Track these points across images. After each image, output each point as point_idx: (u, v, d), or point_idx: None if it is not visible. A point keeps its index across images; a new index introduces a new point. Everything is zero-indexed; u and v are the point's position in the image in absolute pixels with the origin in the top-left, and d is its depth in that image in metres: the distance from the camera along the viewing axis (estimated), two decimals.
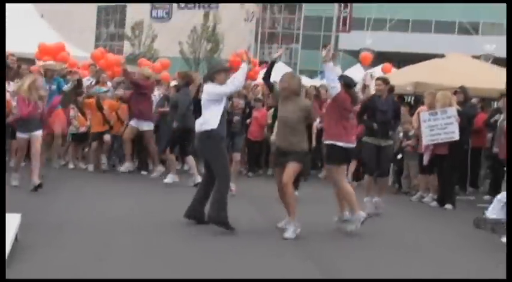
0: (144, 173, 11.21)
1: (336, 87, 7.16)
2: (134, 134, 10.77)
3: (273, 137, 9.11)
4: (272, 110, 10.94)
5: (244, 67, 7.09)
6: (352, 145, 7.41)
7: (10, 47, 13.48)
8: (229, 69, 7.49)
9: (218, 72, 7.17)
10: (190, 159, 10.38)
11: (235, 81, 7.04)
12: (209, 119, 6.95)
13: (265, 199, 8.72)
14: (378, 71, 18.57)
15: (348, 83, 7.39)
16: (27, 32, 16.18)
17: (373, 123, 8.49)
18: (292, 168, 6.86)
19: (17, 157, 9.11)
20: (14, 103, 10.41)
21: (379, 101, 8.61)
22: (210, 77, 7.17)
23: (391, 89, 9.35)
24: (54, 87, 10.83)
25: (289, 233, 6.75)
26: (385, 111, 8.49)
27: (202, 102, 7.16)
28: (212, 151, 7.03)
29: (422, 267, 6.02)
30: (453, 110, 9.58)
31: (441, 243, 7.25)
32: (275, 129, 8.34)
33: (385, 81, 8.84)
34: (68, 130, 11.35)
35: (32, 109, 8.69)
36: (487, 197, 10.22)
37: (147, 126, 10.72)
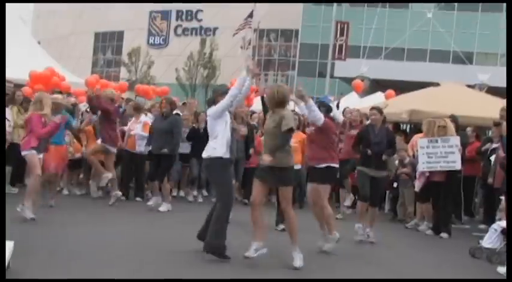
0: (138, 199, 11.18)
1: (322, 118, 7.44)
2: (101, 151, 10.61)
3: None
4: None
5: (241, 76, 6.99)
6: (338, 165, 7.85)
7: (7, 74, 13.57)
8: None
9: (221, 95, 7.10)
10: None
11: (231, 90, 6.96)
12: (214, 147, 6.90)
13: None
14: (381, 98, 18.74)
15: (328, 109, 7.85)
16: (23, 58, 16.26)
17: (367, 149, 8.52)
18: (286, 192, 6.78)
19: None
20: (9, 129, 10.39)
21: (373, 132, 8.67)
22: (213, 101, 7.13)
23: (384, 120, 9.43)
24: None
25: (298, 262, 6.64)
26: (379, 143, 8.53)
27: (208, 128, 7.12)
28: (217, 178, 7.05)
29: None
30: (457, 139, 9.59)
31: (437, 271, 7.21)
32: None
33: (380, 111, 8.90)
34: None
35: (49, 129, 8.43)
36: (482, 226, 10.20)
37: (112, 150, 10.52)
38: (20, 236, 6.63)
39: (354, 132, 10.01)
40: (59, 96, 10.83)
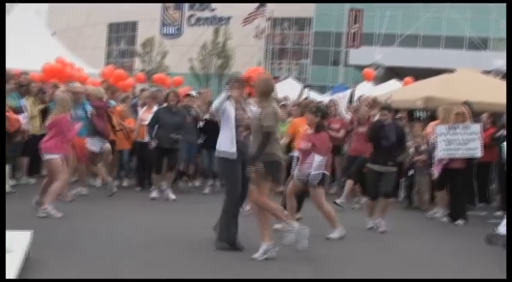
0: (149, 187, 11.02)
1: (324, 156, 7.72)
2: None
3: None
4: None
5: (223, 96, 6.93)
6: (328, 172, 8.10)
7: (21, 65, 13.66)
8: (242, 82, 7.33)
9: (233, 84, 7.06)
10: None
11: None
12: (221, 142, 6.92)
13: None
14: (395, 85, 18.66)
15: (324, 114, 8.07)
16: (38, 50, 16.33)
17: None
18: (252, 184, 6.60)
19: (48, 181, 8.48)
20: (24, 120, 10.39)
21: (382, 127, 8.67)
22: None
23: (393, 116, 9.45)
24: (82, 113, 10.05)
25: (288, 239, 6.55)
26: (388, 137, 8.57)
27: None
28: (224, 173, 7.12)
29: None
30: (477, 127, 9.54)
31: (452, 259, 7.20)
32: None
33: (390, 110, 8.94)
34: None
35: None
36: (498, 213, 10.15)
37: (98, 146, 10.25)
38: (38, 226, 6.73)
39: (362, 129, 10.01)
40: (77, 84, 10.81)
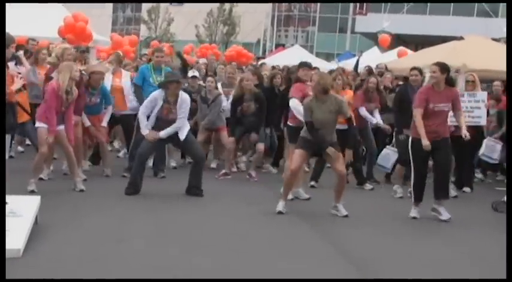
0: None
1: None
2: None
3: None
4: None
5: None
6: None
7: (29, 32, 13.57)
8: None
9: (171, 82, 7.77)
10: None
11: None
12: None
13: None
14: (393, 56, 18.53)
15: None
16: (46, 17, 16.26)
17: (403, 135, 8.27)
18: None
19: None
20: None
21: (412, 92, 8.18)
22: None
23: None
24: (97, 100, 8.50)
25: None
26: None
27: None
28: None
29: (440, 248, 6.03)
30: (483, 95, 9.44)
31: (458, 225, 7.18)
32: None
33: (420, 71, 8.71)
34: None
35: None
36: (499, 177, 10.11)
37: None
38: (46, 191, 6.85)
39: None
40: (98, 62, 9.99)
